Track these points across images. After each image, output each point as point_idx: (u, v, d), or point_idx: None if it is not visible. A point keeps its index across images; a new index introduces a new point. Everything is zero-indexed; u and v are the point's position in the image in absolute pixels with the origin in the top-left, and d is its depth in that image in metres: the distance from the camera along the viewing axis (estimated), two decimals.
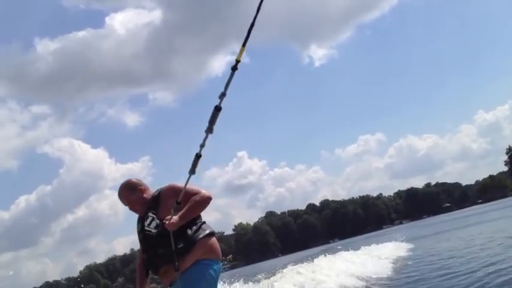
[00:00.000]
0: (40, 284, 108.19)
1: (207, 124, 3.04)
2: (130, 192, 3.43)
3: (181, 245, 3.18)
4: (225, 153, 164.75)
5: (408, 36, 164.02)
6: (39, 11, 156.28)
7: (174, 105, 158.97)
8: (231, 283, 9.30)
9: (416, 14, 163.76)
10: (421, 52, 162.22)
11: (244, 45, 2.98)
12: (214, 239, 3.42)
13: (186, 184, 3.17)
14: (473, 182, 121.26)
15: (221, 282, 7.27)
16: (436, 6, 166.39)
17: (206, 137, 3.09)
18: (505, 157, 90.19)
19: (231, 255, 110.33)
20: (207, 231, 3.37)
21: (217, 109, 3.07)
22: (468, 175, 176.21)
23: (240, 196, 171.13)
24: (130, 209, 3.45)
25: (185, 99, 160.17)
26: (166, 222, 3.07)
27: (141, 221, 3.37)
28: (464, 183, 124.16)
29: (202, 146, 3.12)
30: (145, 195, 3.42)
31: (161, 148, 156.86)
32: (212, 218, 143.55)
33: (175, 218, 3.08)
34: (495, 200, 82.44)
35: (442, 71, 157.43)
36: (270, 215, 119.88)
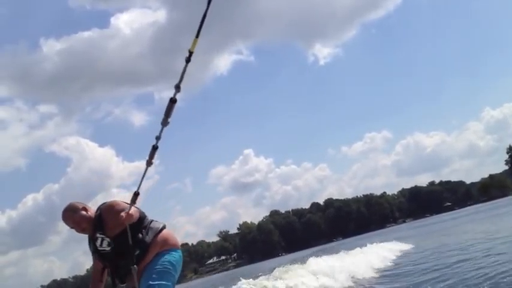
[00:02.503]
0: (48, 282, 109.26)
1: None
2: (73, 212, 3.46)
3: (138, 252, 3.36)
4: (231, 151, 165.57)
5: (413, 34, 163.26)
6: (45, 11, 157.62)
7: (180, 104, 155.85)
8: None
9: (421, 12, 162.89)
10: (427, 50, 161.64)
11: (197, 36, 2.98)
12: (165, 232, 3.57)
13: (144, 174, 3.25)
14: (479, 180, 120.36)
15: None
16: (441, 4, 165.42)
17: (162, 130, 3.10)
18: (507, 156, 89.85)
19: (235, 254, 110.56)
20: (159, 227, 3.54)
21: (173, 101, 3.07)
22: (475, 172, 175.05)
23: (246, 194, 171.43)
24: (77, 230, 3.48)
25: (191, 99, 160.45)
26: (123, 215, 3.24)
27: (92, 242, 3.49)
28: (471, 180, 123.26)
29: (158, 138, 3.14)
30: (89, 213, 3.48)
31: (168, 146, 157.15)
32: (218, 217, 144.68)
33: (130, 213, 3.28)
34: (497, 198, 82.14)
35: (448, 68, 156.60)
36: (274, 213, 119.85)
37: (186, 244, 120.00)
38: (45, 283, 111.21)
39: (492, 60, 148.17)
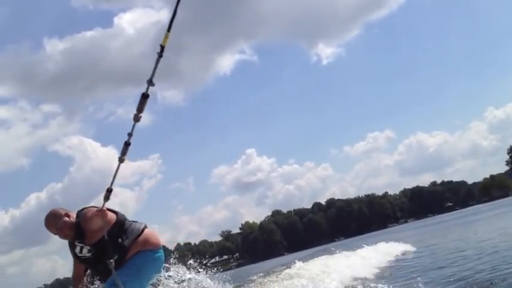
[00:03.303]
0: (51, 281, 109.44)
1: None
2: (56, 219, 3.55)
3: (117, 257, 3.46)
4: (234, 150, 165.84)
5: (416, 34, 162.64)
6: (49, 11, 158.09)
7: (183, 104, 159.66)
8: None
9: (425, 11, 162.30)
10: (430, 49, 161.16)
11: (168, 30, 2.92)
12: (146, 232, 3.64)
13: (116, 171, 3.22)
14: (482, 180, 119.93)
15: None
16: (444, 3, 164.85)
17: (134, 126, 3.05)
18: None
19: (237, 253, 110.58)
20: (140, 229, 3.62)
21: (145, 96, 3.02)
22: (478, 172, 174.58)
23: (249, 194, 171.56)
24: (60, 236, 3.57)
25: (194, 98, 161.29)
26: (97, 214, 3.36)
27: (72, 248, 3.62)
28: (475, 180, 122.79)
29: (130, 134, 3.11)
30: (71, 219, 3.56)
31: (171, 146, 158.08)
32: (221, 216, 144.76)
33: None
34: (499, 199, 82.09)
35: (451, 68, 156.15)
36: (276, 213, 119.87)
37: (189, 243, 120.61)
38: (49, 282, 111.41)
39: (495, 60, 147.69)
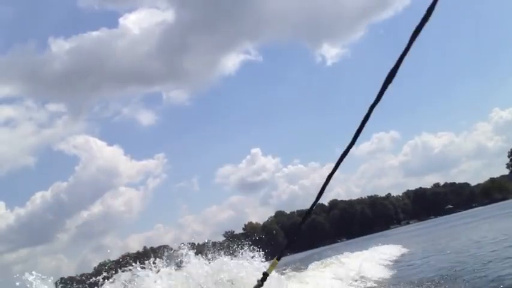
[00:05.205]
0: (55, 280, 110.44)
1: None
2: None
3: None
4: (239, 150, 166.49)
5: (422, 35, 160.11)
6: (54, 11, 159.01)
7: (188, 104, 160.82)
8: None
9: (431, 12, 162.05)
10: (436, 50, 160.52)
11: (278, 259, 3.01)
12: None
13: None
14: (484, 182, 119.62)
15: None
16: (451, 4, 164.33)
17: None
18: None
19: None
20: None
21: None
22: (484, 173, 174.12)
23: (254, 193, 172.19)
24: None
25: (199, 98, 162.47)
26: None
27: None
28: (479, 181, 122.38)
29: None
30: None
31: (176, 145, 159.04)
32: (225, 216, 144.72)
33: None
34: (500, 201, 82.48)
35: (457, 69, 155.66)
36: (279, 214, 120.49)
37: (193, 243, 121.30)
38: (53, 281, 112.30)
39: (501, 60, 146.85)
